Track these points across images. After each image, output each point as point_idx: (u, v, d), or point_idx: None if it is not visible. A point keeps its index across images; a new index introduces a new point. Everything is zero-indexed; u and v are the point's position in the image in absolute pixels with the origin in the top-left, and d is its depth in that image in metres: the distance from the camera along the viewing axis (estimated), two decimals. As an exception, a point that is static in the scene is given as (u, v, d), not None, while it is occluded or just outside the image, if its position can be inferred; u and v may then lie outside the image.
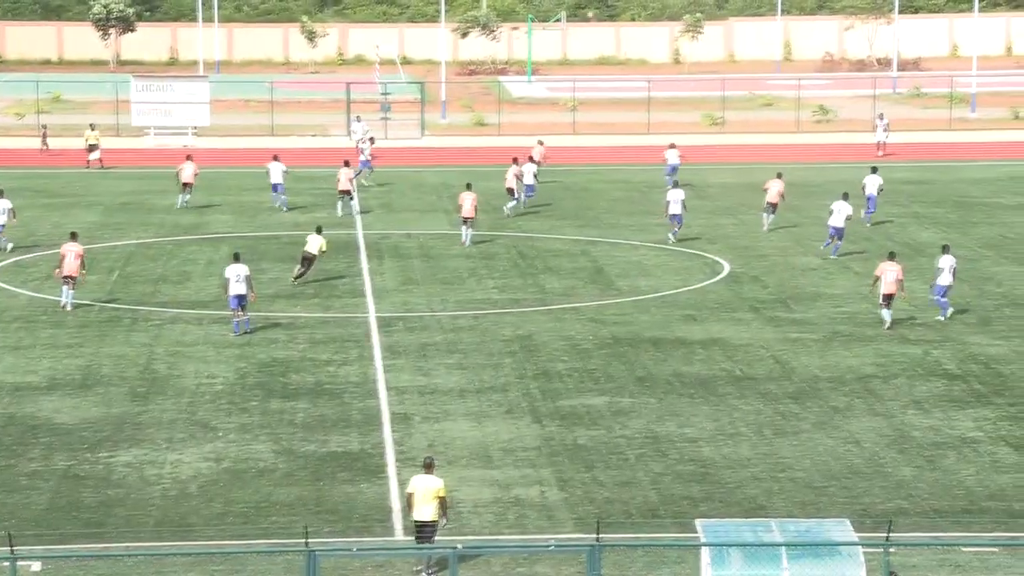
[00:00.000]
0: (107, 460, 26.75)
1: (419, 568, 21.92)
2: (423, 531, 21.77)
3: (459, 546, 20.57)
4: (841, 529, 19.42)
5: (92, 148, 65.14)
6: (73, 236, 39.14)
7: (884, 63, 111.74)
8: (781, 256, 45.31)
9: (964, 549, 22.59)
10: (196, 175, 54.36)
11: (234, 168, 64.58)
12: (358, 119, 70.11)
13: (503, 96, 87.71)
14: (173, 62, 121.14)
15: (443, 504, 21.82)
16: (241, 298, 35.30)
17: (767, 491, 25.12)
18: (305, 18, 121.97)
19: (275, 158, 54.93)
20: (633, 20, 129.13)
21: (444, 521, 22.00)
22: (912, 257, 43.55)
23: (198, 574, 21.86)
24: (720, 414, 29.32)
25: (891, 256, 36.73)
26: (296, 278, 40.91)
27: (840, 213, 44.88)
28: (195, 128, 73.28)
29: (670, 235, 47.05)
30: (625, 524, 23.68)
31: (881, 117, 69.95)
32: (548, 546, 21.99)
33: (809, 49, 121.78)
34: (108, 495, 25.02)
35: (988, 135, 77.09)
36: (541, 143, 61.83)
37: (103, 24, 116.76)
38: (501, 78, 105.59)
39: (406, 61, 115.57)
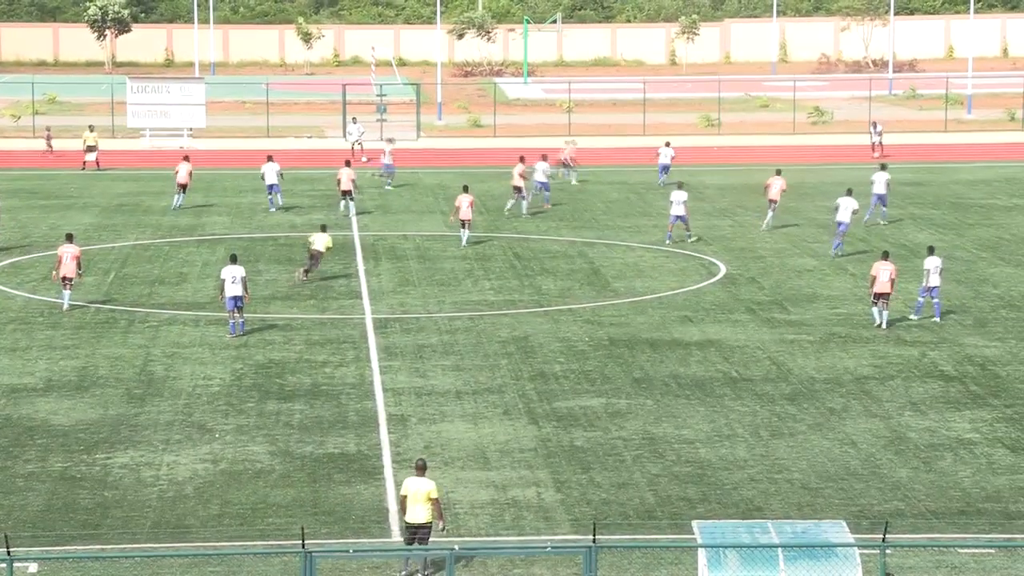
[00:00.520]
0: (103, 462, 26.74)
1: (414, 571, 21.91)
2: (417, 533, 21.75)
3: (456, 547, 20.57)
4: (837, 530, 19.43)
5: (90, 149, 65.14)
6: (69, 238, 39.12)
7: (880, 64, 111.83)
8: (777, 258, 45.34)
9: (960, 550, 22.61)
10: (191, 175, 54.40)
11: (230, 170, 64.55)
12: (354, 121, 70.13)
13: (499, 97, 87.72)
14: (169, 64, 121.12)
15: (437, 506, 21.80)
16: (237, 299, 35.30)
17: (764, 492, 25.13)
18: (301, 19, 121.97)
19: (269, 158, 54.98)
20: (629, 21, 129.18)
21: (441, 525, 21.98)
22: (908, 258, 43.57)
23: (195, 576, 21.87)
24: (716, 415, 29.33)
25: (884, 256, 36.81)
26: (305, 272, 41.30)
27: (846, 209, 45.09)
28: (191, 129, 73.25)
29: (691, 235, 47.01)
30: (622, 525, 23.69)
31: (875, 125, 70.00)
32: (545, 547, 21.99)
33: (805, 50, 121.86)
34: (104, 496, 25.01)
35: (984, 136, 77.14)
36: (572, 142, 62.12)
37: (99, 25, 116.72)
38: (497, 79, 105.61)
39: (402, 63, 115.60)
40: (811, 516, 23.55)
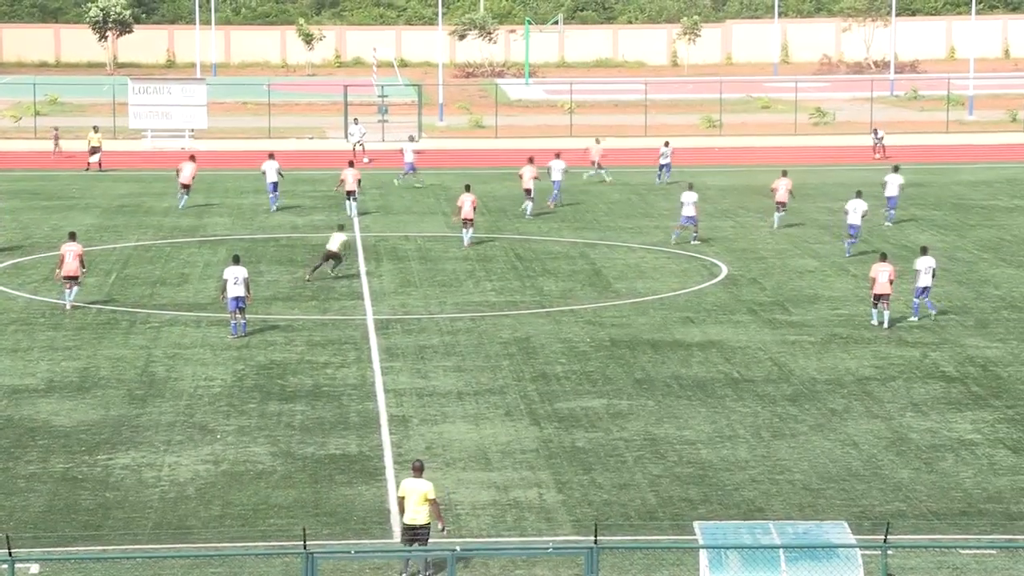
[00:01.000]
0: (105, 462, 26.74)
1: (415, 572, 21.90)
2: (416, 535, 21.73)
3: (457, 548, 20.56)
4: (839, 531, 19.43)
5: (94, 151, 65.19)
6: (72, 236, 39.20)
7: (881, 65, 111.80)
8: (779, 259, 45.33)
9: (962, 551, 22.60)
10: (194, 177, 54.51)
11: (232, 170, 64.56)
12: (356, 121, 70.14)
13: (500, 98, 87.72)
14: (170, 64, 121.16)
15: (435, 507, 21.78)
16: (240, 300, 35.29)
17: (765, 493, 25.12)
18: (302, 20, 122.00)
19: (271, 156, 55.14)
20: (631, 22, 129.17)
21: (441, 526, 21.96)
22: (909, 259, 43.44)
23: (196, 576, 21.86)
24: (718, 416, 29.32)
25: (883, 257, 36.87)
26: (315, 269, 41.70)
27: (856, 212, 45.20)
28: (192, 130, 73.26)
29: (698, 236, 47.02)
30: (623, 526, 23.69)
31: (876, 132, 70.07)
32: (546, 548, 21.98)
33: (806, 51, 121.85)
34: (106, 497, 25.01)
35: (985, 137, 77.12)
36: (599, 141, 62.41)
37: (100, 27, 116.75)
38: (498, 80, 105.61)
39: (403, 63, 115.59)
40: (813, 517, 23.53)
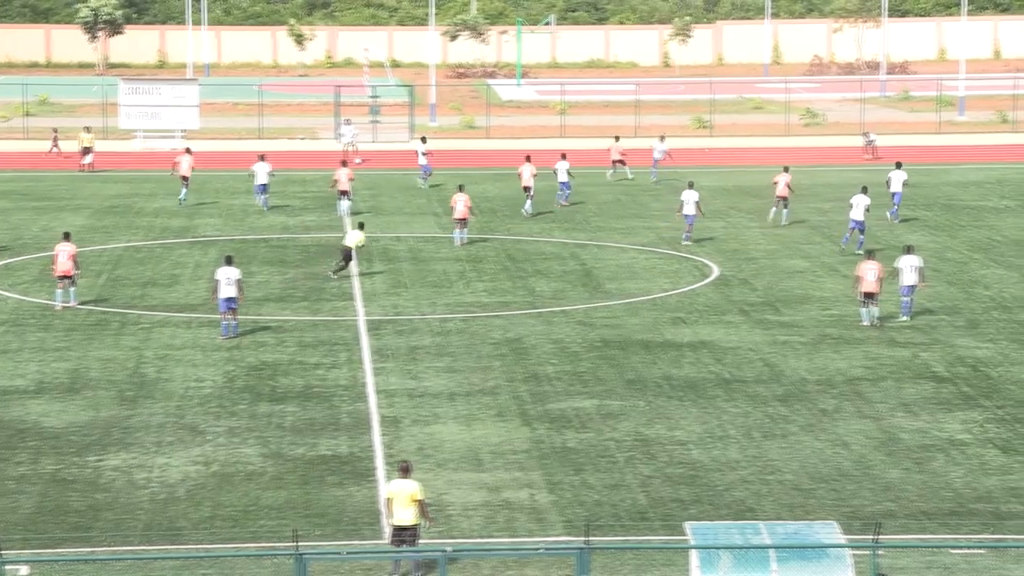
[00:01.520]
0: (95, 464, 26.70)
1: (406, 572, 21.89)
2: (403, 536, 21.72)
3: (448, 549, 20.55)
4: (829, 531, 19.45)
5: (86, 151, 65.17)
6: (66, 236, 39.21)
7: (872, 66, 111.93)
8: (770, 259, 45.38)
9: (952, 551, 22.63)
10: (192, 168, 55.16)
11: (223, 171, 64.51)
12: (347, 122, 70.11)
13: (492, 99, 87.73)
14: (162, 65, 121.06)
15: (422, 507, 21.78)
16: (231, 301, 35.25)
17: (756, 493, 25.14)
18: (293, 21, 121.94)
19: (261, 158, 55.26)
20: (622, 23, 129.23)
21: (426, 523, 21.98)
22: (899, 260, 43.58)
23: (187, 578, 21.84)
24: (709, 417, 29.34)
25: (869, 255, 36.94)
26: (339, 268, 41.95)
27: (859, 206, 45.37)
28: (184, 131, 73.21)
29: (685, 236, 47.13)
30: (614, 527, 23.69)
31: (866, 134, 70.32)
32: (537, 549, 21.99)
33: (798, 52, 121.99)
34: (96, 499, 24.97)
35: (976, 138, 77.24)
36: (617, 139, 62.73)
37: (91, 27, 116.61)
38: (490, 81, 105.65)
39: (395, 64, 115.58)
40: (803, 517, 23.56)
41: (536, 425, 28.89)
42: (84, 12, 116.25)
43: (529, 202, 52.69)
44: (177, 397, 30.74)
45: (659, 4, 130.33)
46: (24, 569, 21.89)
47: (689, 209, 47.10)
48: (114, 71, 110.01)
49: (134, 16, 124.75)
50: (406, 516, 21.68)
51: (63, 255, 37.96)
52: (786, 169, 51.47)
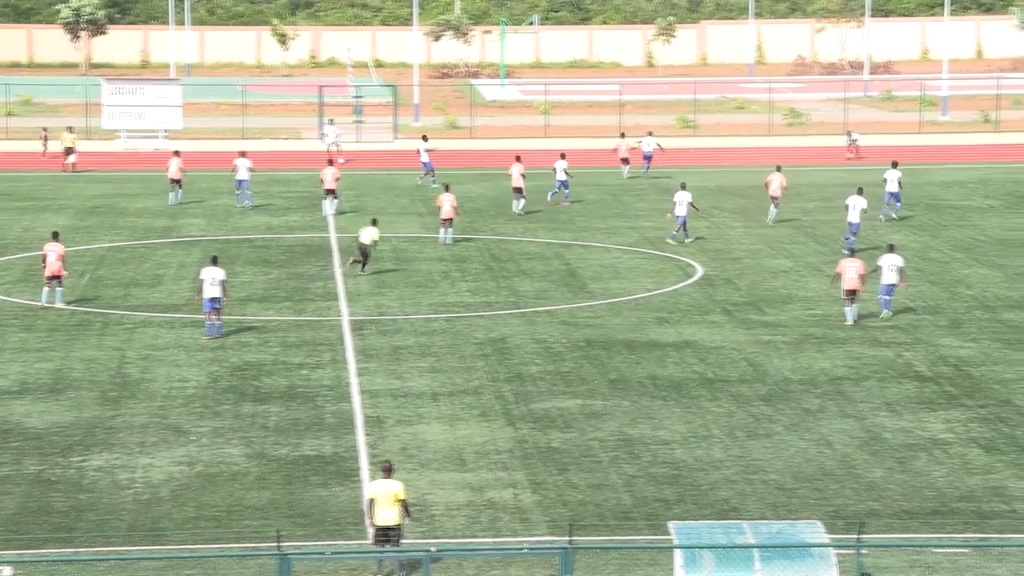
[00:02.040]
0: (78, 464, 26.64)
1: (390, 572, 21.88)
2: (386, 536, 21.72)
3: (432, 549, 20.55)
4: (813, 531, 19.48)
5: (69, 151, 65.04)
6: (55, 236, 39.16)
7: (855, 66, 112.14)
8: (753, 259, 45.44)
9: (935, 550, 22.69)
10: (182, 170, 55.19)
11: (206, 171, 64.39)
12: (331, 122, 70.04)
13: (476, 99, 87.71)
14: (145, 65, 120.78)
15: (405, 507, 21.79)
16: (216, 301, 35.19)
17: (739, 493, 25.18)
18: (276, 21, 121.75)
19: (242, 154, 55.48)
20: (606, 23, 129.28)
21: (408, 521, 21.96)
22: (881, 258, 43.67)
23: (170, 578, 21.79)
24: (692, 416, 29.37)
25: (851, 253, 37.05)
26: (359, 264, 42.49)
27: (855, 208, 45.57)
28: (167, 131, 73.07)
29: (677, 236, 47.19)
30: (598, 526, 23.71)
31: (849, 134, 70.59)
32: (521, 549, 21.99)
33: (781, 52, 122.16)
34: (79, 500, 24.91)
35: (958, 138, 77.42)
36: (624, 135, 63.11)
37: (73, 27, 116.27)
38: (474, 81, 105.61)
39: (378, 64, 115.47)
40: (787, 516, 23.60)
41: (520, 425, 28.89)
42: (65, 13, 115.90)
43: (522, 201, 52.78)
44: (160, 397, 30.68)
45: (642, 4, 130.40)
46: (7, 570, 21.83)
47: (681, 210, 47.24)
48: (97, 71, 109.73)
49: (117, 16, 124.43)
50: (390, 516, 21.68)
51: (52, 256, 37.91)
52: (778, 169, 51.72)
